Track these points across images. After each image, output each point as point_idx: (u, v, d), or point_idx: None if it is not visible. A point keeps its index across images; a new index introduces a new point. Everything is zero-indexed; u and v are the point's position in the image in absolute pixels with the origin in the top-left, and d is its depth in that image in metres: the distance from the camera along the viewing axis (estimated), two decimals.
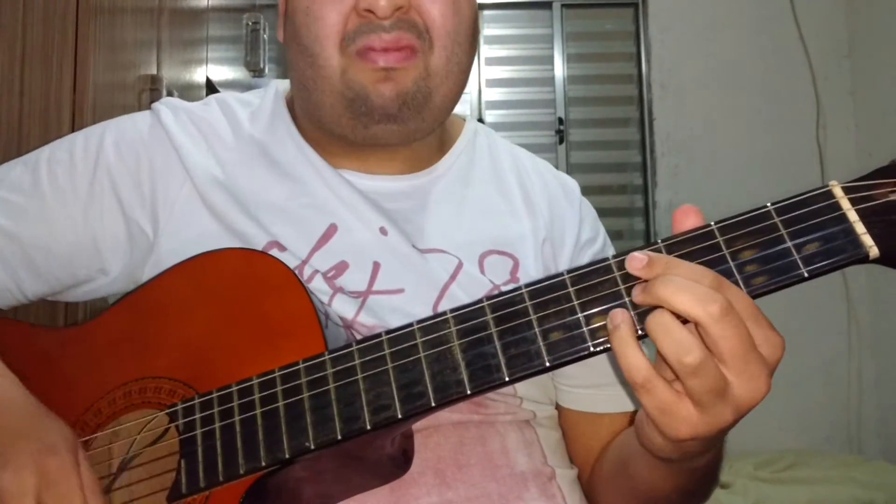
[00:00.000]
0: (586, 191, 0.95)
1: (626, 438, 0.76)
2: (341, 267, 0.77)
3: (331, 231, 0.78)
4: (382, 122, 0.76)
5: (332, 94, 0.77)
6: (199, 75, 1.88)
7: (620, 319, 0.53)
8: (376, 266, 0.77)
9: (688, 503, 0.73)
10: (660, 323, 0.52)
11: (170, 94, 1.57)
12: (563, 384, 0.84)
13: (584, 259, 0.87)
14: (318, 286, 0.75)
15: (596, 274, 0.57)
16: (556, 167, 0.97)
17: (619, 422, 0.83)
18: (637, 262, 0.54)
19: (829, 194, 0.55)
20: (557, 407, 0.85)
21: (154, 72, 1.56)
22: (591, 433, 0.83)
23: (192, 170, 0.80)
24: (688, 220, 0.56)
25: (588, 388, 0.82)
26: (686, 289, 0.51)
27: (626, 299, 0.55)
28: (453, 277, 0.78)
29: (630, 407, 0.83)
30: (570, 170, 3.10)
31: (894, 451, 2.74)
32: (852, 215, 0.53)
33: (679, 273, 0.52)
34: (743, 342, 0.51)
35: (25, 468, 0.59)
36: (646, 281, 0.54)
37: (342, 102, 0.76)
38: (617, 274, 0.56)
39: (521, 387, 0.78)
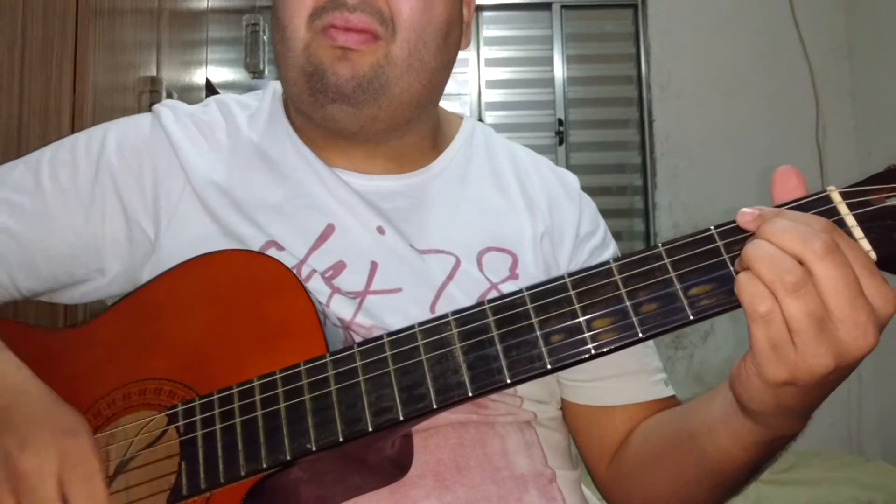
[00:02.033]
0: (586, 192, 0.95)
1: (690, 415, 0.73)
2: (339, 267, 0.77)
3: (328, 231, 0.79)
4: (337, 101, 0.77)
5: (295, 68, 0.78)
6: (198, 77, 1.89)
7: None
8: (374, 266, 0.77)
9: (739, 487, 0.71)
10: (758, 246, 0.52)
11: (169, 95, 1.57)
12: (569, 380, 0.83)
13: (585, 253, 0.87)
14: (317, 286, 0.75)
15: (597, 277, 0.57)
16: None
17: (636, 411, 0.81)
18: (748, 215, 0.55)
19: (827, 199, 0.55)
20: (564, 403, 0.85)
21: (154, 73, 1.56)
22: (604, 426, 0.82)
23: (190, 171, 0.80)
24: (789, 180, 0.57)
25: (597, 381, 0.82)
26: (791, 228, 0.51)
27: (628, 303, 0.55)
28: (450, 277, 0.78)
29: (648, 397, 0.82)
30: (570, 171, 3.09)
31: (894, 452, 2.74)
32: (850, 220, 0.54)
33: (788, 217, 0.53)
34: (848, 284, 0.50)
35: (46, 449, 0.58)
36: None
37: (303, 77, 0.78)
38: (618, 277, 0.56)
39: (522, 387, 0.77)
